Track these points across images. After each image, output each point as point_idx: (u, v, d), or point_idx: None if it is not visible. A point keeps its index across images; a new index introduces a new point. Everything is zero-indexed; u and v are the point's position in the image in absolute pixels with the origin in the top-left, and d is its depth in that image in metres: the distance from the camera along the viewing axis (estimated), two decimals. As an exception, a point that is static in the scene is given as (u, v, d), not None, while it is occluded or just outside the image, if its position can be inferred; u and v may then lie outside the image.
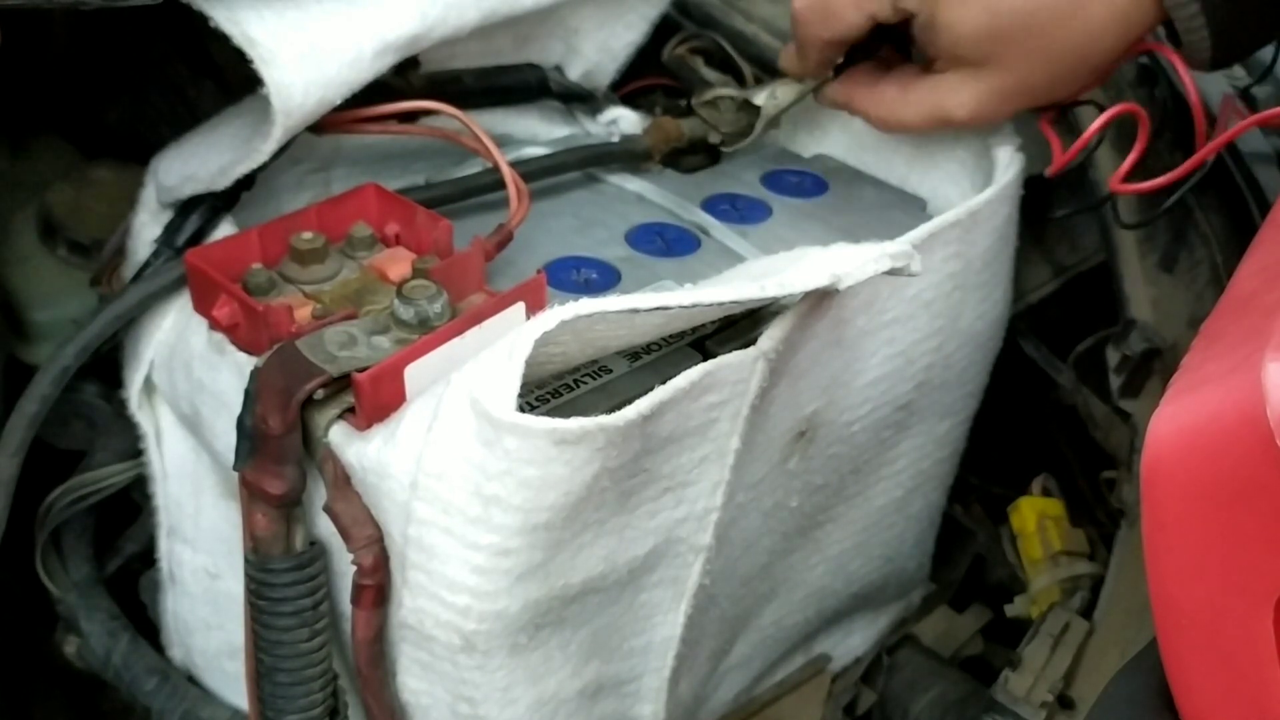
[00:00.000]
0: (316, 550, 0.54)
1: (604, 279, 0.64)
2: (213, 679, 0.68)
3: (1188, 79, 0.64)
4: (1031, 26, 0.62)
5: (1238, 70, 0.81)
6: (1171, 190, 0.66)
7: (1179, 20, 0.61)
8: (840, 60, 0.71)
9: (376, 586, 0.53)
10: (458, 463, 0.49)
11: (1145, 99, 0.77)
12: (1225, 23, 0.60)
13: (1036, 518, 0.80)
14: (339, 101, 0.59)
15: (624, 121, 0.76)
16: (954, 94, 0.66)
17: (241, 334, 0.56)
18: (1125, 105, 0.66)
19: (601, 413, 0.48)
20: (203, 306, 0.57)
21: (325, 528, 0.53)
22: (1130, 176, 0.65)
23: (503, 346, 0.48)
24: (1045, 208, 0.72)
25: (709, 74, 0.81)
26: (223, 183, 0.60)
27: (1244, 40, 0.63)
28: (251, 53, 0.55)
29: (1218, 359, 0.44)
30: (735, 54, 0.82)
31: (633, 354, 0.57)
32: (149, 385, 0.63)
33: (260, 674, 0.55)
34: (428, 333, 0.53)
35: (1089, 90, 0.67)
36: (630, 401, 0.49)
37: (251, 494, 0.53)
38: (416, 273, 0.55)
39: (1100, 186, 0.75)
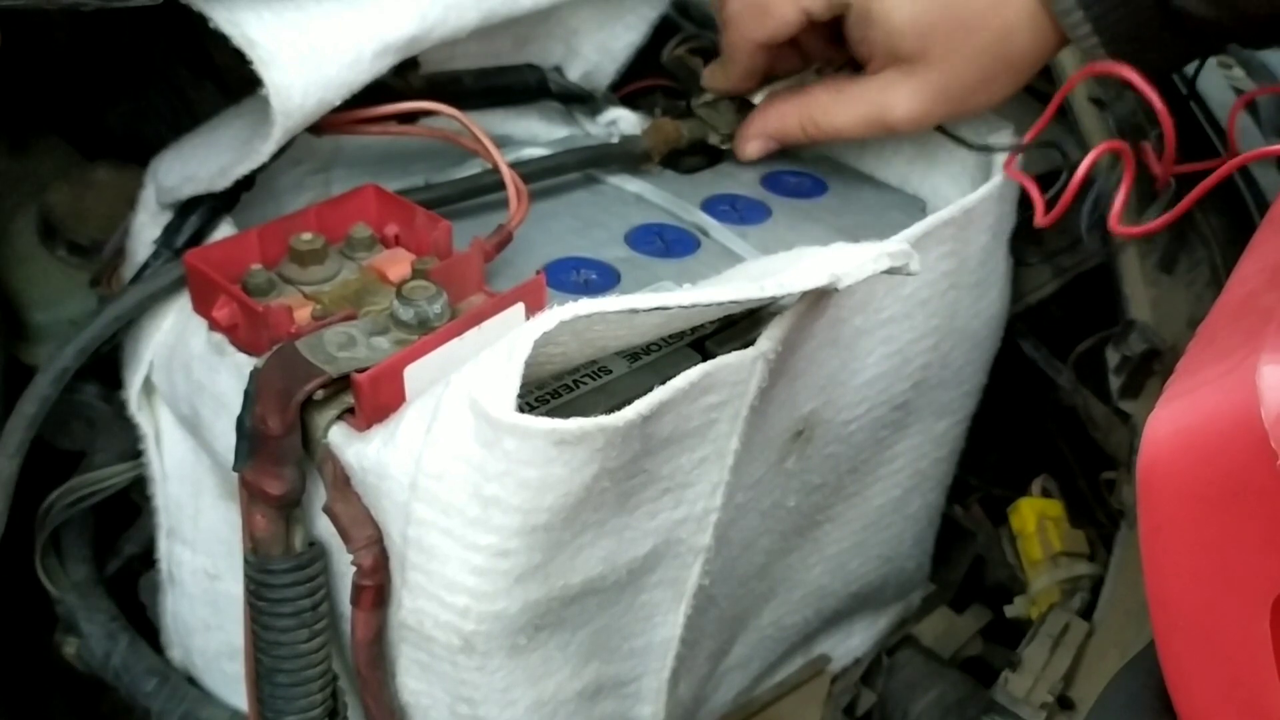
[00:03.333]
0: (316, 551, 0.54)
1: (604, 280, 0.64)
2: (212, 680, 0.68)
3: (1156, 102, 0.63)
4: (958, 20, 0.63)
5: (1236, 71, 0.81)
6: (1175, 198, 0.66)
7: (1067, 27, 0.62)
8: (762, 76, 0.72)
9: (376, 587, 0.53)
10: (457, 463, 0.49)
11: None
12: (1117, 33, 0.61)
13: (1036, 518, 0.80)
14: (338, 102, 0.59)
15: (624, 122, 0.76)
16: (890, 93, 0.66)
17: (241, 335, 0.56)
18: (1109, 143, 0.66)
19: (601, 413, 0.48)
20: (202, 307, 0.57)
21: (325, 528, 0.53)
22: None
23: (502, 347, 0.48)
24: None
25: (709, 75, 0.81)
26: (222, 183, 0.60)
27: (1149, 49, 0.62)
28: (251, 54, 0.55)
29: (1214, 360, 0.44)
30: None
31: (632, 354, 0.57)
32: (148, 386, 0.63)
33: (259, 675, 0.55)
34: (427, 333, 0.53)
35: (1011, 95, 0.67)
36: (630, 402, 0.49)
37: (251, 495, 0.53)
38: (416, 273, 0.55)
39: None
